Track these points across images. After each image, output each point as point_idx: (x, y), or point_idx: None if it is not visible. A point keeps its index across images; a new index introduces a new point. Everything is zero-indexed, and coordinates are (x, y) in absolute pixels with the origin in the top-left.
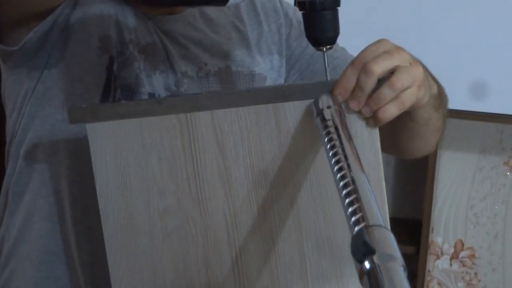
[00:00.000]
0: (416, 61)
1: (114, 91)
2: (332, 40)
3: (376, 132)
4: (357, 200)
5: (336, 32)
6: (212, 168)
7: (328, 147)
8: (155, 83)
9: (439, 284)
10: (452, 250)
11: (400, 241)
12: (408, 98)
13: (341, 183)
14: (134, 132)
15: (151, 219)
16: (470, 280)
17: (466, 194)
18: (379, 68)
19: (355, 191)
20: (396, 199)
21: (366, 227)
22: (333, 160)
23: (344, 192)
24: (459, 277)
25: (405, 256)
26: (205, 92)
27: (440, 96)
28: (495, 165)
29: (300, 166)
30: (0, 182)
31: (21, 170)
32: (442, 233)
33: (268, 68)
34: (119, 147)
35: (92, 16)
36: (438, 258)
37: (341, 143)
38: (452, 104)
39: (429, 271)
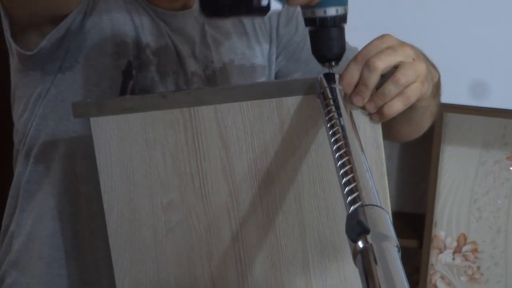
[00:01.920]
0: (419, 55)
1: (132, 94)
2: (338, 57)
3: (378, 128)
4: (354, 179)
5: (343, 49)
6: (215, 162)
7: (328, 125)
8: (168, 84)
9: (442, 278)
10: (455, 244)
11: (403, 235)
12: (413, 93)
13: (339, 162)
14: (138, 126)
15: (154, 213)
16: (473, 274)
17: (469, 189)
18: (383, 63)
19: (352, 170)
20: (399, 194)
21: (362, 206)
22: (332, 139)
23: (341, 171)
24: (462, 271)
25: (408, 250)
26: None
27: (438, 84)
28: (498, 159)
29: (303, 161)
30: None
31: (33, 169)
32: (445, 227)
33: (265, 58)
34: (123, 141)
35: (108, 22)
36: (441, 252)
37: (341, 123)
38: (455, 99)
39: (432, 265)
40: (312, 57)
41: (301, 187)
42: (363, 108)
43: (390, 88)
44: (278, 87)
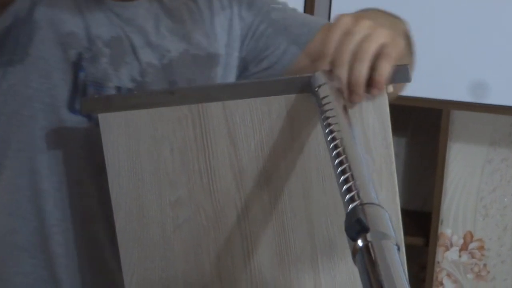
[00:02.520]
0: (378, 19)
1: (84, 86)
2: None
3: (388, 125)
4: (352, 177)
5: None
6: (223, 159)
7: (324, 124)
8: (122, 75)
9: (448, 275)
10: (462, 241)
11: (409, 233)
12: (392, 50)
13: (336, 161)
14: (146, 122)
15: (162, 210)
16: (479, 271)
17: (475, 186)
18: (367, 53)
19: (350, 169)
20: (406, 191)
21: (361, 205)
22: (329, 137)
23: (338, 169)
24: (468, 269)
25: (414, 247)
26: (217, 83)
27: (408, 37)
28: (504, 157)
29: (312, 158)
30: None
31: None
32: (451, 225)
33: (222, 46)
34: (131, 138)
35: (57, 13)
36: (447, 249)
37: (337, 121)
38: (462, 97)
39: (438, 262)
40: (281, 37)
41: (310, 184)
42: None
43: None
44: (287, 84)
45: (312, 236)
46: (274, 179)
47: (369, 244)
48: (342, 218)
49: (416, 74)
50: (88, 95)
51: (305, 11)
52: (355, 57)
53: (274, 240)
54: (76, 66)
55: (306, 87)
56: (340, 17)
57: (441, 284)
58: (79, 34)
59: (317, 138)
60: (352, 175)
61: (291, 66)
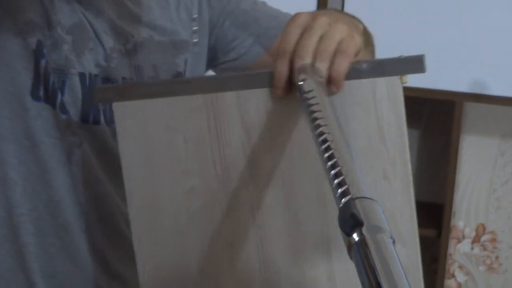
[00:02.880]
0: (333, 16)
1: (46, 74)
2: None
3: (402, 115)
4: (342, 172)
5: None
6: (237, 149)
7: (310, 119)
8: (85, 62)
9: (460, 267)
10: (474, 234)
11: (421, 224)
12: (349, 45)
13: (325, 156)
14: (160, 112)
15: (176, 199)
16: (491, 263)
17: (487, 179)
18: (327, 51)
19: (339, 163)
20: (418, 183)
21: (353, 199)
22: (316, 132)
23: (328, 164)
24: (480, 261)
25: (426, 239)
26: (231, 73)
27: (366, 34)
28: None
29: None
30: None
31: None
32: (463, 217)
33: (189, 33)
34: (145, 127)
35: (16, 1)
36: (459, 242)
37: (323, 115)
38: (475, 88)
39: (450, 254)
40: (251, 29)
41: (323, 174)
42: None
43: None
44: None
45: (326, 226)
46: (287, 169)
47: (364, 238)
48: None
49: (429, 66)
50: (52, 83)
51: (318, 6)
52: (315, 55)
53: (287, 229)
54: (37, 54)
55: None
56: (297, 14)
57: (453, 276)
58: (39, 22)
59: None
60: (341, 170)
61: (259, 59)
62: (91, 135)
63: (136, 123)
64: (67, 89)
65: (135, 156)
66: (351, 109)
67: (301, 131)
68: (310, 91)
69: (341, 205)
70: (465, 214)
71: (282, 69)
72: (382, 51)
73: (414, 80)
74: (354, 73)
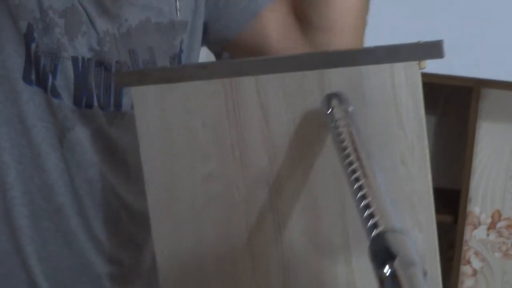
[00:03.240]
0: None
1: (36, 57)
2: None
3: (420, 100)
4: (372, 203)
5: None
6: (256, 133)
7: (339, 148)
8: (78, 45)
9: (475, 254)
10: (490, 220)
11: (438, 211)
12: None
13: (355, 186)
14: (179, 96)
15: (194, 183)
16: (507, 250)
17: (504, 165)
18: None
19: (369, 194)
20: (435, 169)
21: (384, 232)
22: (345, 162)
23: (358, 195)
24: (496, 247)
25: (442, 225)
26: (250, 57)
27: None
28: None
29: None
30: None
31: None
32: (479, 203)
33: (189, 13)
34: (164, 111)
35: None
36: (475, 228)
37: (353, 143)
38: (492, 74)
39: (466, 241)
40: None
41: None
42: None
43: None
44: (321, 59)
45: (343, 213)
46: (306, 155)
47: (396, 273)
48: None
49: (446, 51)
50: (42, 66)
51: None
52: None
53: (305, 216)
54: (27, 38)
55: (342, 63)
56: None
57: (469, 262)
58: (30, 5)
59: None
60: (372, 201)
61: (246, 29)
62: (84, 119)
63: (155, 108)
64: (59, 72)
65: (154, 140)
66: (369, 95)
67: (320, 117)
68: (339, 119)
69: (372, 237)
70: (481, 200)
71: None
72: (400, 37)
73: (430, 66)
74: (372, 58)
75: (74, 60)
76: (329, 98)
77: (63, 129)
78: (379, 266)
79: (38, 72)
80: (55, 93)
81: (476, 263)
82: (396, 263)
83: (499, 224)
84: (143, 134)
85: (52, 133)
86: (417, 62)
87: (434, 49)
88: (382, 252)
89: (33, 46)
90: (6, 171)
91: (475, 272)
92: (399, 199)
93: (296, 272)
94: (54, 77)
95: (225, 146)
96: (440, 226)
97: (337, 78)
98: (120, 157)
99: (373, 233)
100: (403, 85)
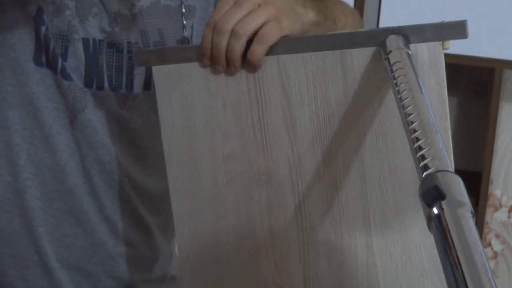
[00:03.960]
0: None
1: (46, 40)
2: None
3: (443, 81)
4: (426, 144)
5: None
6: (277, 113)
7: (396, 90)
8: (89, 27)
9: (496, 236)
10: (511, 202)
11: None
12: (270, 32)
13: (410, 128)
14: (199, 76)
15: (215, 163)
16: None
17: None
18: (244, 29)
19: (423, 136)
20: (456, 151)
21: (436, 172)
22: (401, 104)
23: (412, 136)
24: None
25: None
26: None
27: (323, 8)
28: None
29: (366, 115)
30: None
31: None
32: (501, 185)
33: None
34: (185, 91)
35: None
36: (496, 210)
37: (409, 87)
38: None
39: (487, 223)
40: None
41: (363, 141)
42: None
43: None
44: (342, 39)
45: (365, 193)
46: (327, 135)
47: (445, 212)
48: (395, 176)
49: (469, 32)
50: (52, 49)
51: (355, 7)
52: (233, 32)
53: (326, 196)
54: (37, 20)
55: (363, 43)
56: None
57: (489, 245)
58: None
59: (371, 94)
60: (425, 142)
61: None
62: (94, 101)
63: (176, 87)
64: (70, 54)
65: (175, 119)
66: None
67: (341, 96)
68: (397, 61)
69: (423, 177)
70: (502, 182)
71: (207, 41)
72: (423, 17)
73: (453, 47)
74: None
75: (85, 42)
76: (390, 39)
77: (73, 111)
78: (428, 205)
79: (47, 54)
80: (65, 75)
81: (497, 246)
82: (445, 203)
83: None
84: (164, 113)
85: (63, 114)
86: (440, 42)
87: (458, 29)
88: (431, 191)
89: (43, 28)
90: (18, 153)
91: (495, 255)
92: None
93: (316, 252)
94: (64, 59)
95: (246, 126)
96: None
97: (359, 58)
98: (132, 139)
99: (425, 173)
100: (427, 65)
